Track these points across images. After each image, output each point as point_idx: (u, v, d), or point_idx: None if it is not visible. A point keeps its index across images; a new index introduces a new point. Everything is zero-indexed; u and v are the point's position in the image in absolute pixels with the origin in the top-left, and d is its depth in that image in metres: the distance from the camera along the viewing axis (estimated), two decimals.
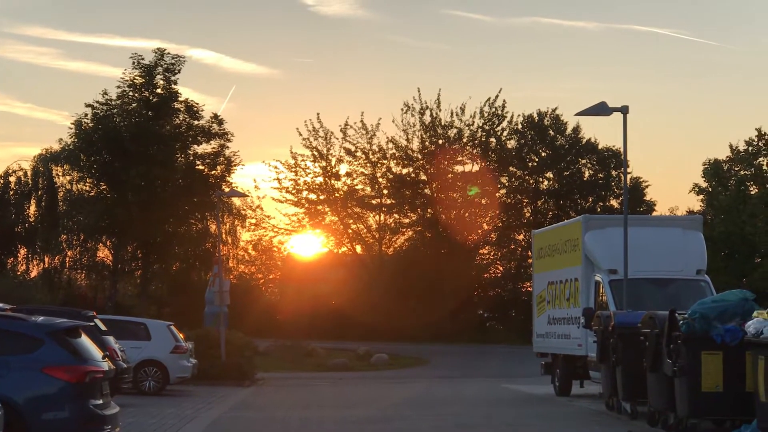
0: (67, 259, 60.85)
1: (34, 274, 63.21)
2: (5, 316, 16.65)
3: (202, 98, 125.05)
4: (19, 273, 64.23)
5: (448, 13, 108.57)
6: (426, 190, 77.34)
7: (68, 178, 58.65)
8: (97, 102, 56.36)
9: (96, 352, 16.10)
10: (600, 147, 78.49)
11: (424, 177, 77.16)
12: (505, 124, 77.45)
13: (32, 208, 57.73)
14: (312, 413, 26.21)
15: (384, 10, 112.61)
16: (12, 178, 56.96)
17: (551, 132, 78.95)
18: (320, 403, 29.76)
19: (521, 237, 77.63)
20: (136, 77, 56.70)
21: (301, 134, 75.91)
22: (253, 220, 75.22)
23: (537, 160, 79.14)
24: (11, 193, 56.78)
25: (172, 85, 57.01)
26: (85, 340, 15.98)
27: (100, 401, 15.44)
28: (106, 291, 60.92)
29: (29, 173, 57.63)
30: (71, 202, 58.10)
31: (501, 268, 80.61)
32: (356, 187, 77.18)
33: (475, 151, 76.88)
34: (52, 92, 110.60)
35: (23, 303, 43.16)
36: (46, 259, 59.99)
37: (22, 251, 58.63)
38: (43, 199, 57.56)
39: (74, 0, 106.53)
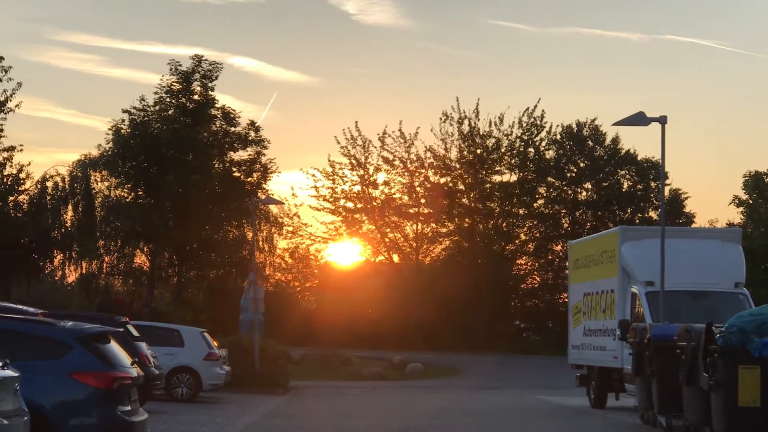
0: (105, 264, 60.91)
1: (71, 279, 63.36)
2: (34, 321, 16.63)
3: (243, 106, 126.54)
4: (56, 278, 64.36)
5: (489, 23, 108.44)
6: (464, 200, 77.14)
7: (106, 184, 58.75)
8: (134, 108, 56.52)
9: (125, 358, 16.02)
10: (639, 158, 78.06)
11: (461, 186, 76.98)
12: (543, 134, 77.32)
13: (69, 214, 57.81)
14: (344, 422, 26.07)
15: (425, 19, 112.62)
16: (49, 183, 57.07)
17: (590, 142, 78.58)
18: (353, 412, 29.61)
19: (559, 247, 77.26)
20: (174, 83, 56.79)
21: (339, 142, 75.96)
22: (290, 228, 75.32)
23: (575, 170, 78.78)
24: (48, 198, 56.86)
25: (209, 92, 57.07)
26: (113, 346, 15.89)
27: (129, 408, 15.34)
28: (143, 297, 60.97)
29: (66, 179, 57.74)
30: (109, 207, 58.23)
31: (538, 279, 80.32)
32: (394, 196, 77.12)
33: (513, 161, 76.69)
34: (95, 99, 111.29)
35: (60, 308, 43.35)
36: (84, 265, 60.05)
37: (59, 257, 58.68)
38: (80, 204, 57.66)
39: (118, 7, 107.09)
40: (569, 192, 79.13)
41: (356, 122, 77.22)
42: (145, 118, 56.77)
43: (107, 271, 61.41)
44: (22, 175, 54.62)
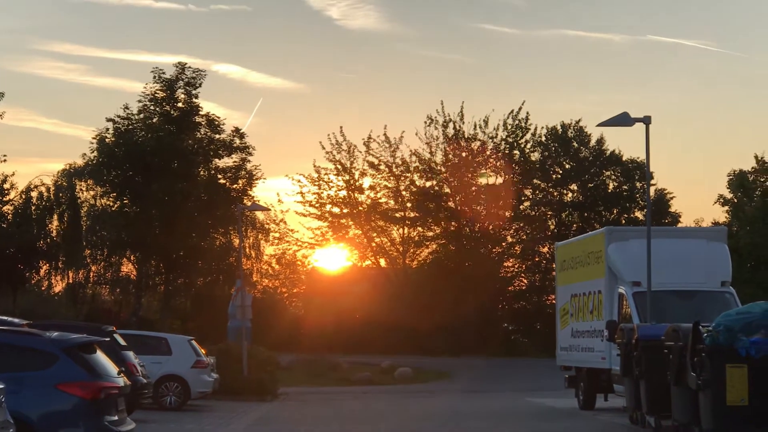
0: (91, 274, 60.81)
1: (58, 289, 63.24)
2: (19, 332, 16.57)
3: (229, 113, 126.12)
4: (43, 288, 64.23)
5: (473, 26, 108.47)
6: (450, 203, 77.11)
7: (92, 193, 58.64)
8: (118, 116, 56.40)
9: (111, 367, 15.96)
10: (624, 159, 78.12)
11: (447, 190, 76.95)
12: (528, 136, 77.29)
13: (54, 224, 57.71)
14: (333, 428, 26.03)
15: (409, 24, 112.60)
16: (34, 193, 56.95)
17: (575, 144, 78.59)
18: (342, 417, 29.55)
19: (545, 249, 77.25)
20: (157, 91, 56.68)
21: (324, 147, 75.90)
22: (277, 234, 75.20)
23: (561, 172, 78.77)
24: (33, 208, 56.74)
25: (193, 99, 56.97)
26: (100, 356, 15.84)
27: (116, 417, 15.30)
28: (131, 306, 60.86)
29: (51, 188, 57.62)
30: (94, 217, 58.11)
31: (525, 281, 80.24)
32: (380, 201, 77.07)
33: (498, 163, 76.66)
34: (79, 108, 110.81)
35: (47, 319, 43.20)
36: (70, 274, 59.94)
37: (45, 267, 58.56)
38: (66, 214, 57.56)
39: (101, 16, 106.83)
40: (555, 193, 79.12)
41: (341, 127, 77.21)
42: (130, 127, 56.68)
43: (94, 281, 61.34)
44: (6, 186, 54.52)
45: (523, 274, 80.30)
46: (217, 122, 57.75)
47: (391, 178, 76.29)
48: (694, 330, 19.34)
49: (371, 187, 76.58)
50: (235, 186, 58.01)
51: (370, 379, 50.22)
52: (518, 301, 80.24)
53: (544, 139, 78.20)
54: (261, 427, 26.38)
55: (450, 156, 75.82)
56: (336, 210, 76.76)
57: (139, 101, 56.85)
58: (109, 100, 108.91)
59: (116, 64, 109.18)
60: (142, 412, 26.50)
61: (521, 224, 78.65)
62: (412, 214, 77.12)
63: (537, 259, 78.85)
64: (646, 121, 26.85)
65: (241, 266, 43.47)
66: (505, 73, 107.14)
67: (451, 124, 75.55)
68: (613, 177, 78.72)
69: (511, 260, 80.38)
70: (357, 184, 76.29)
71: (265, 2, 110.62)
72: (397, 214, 77.37)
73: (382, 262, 78.68)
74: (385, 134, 75.91)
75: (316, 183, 75.95)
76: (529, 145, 77.63)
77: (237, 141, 57.96)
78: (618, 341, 25.15)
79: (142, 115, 56.78)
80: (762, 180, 69.31)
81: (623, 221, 75.07)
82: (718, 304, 26.62)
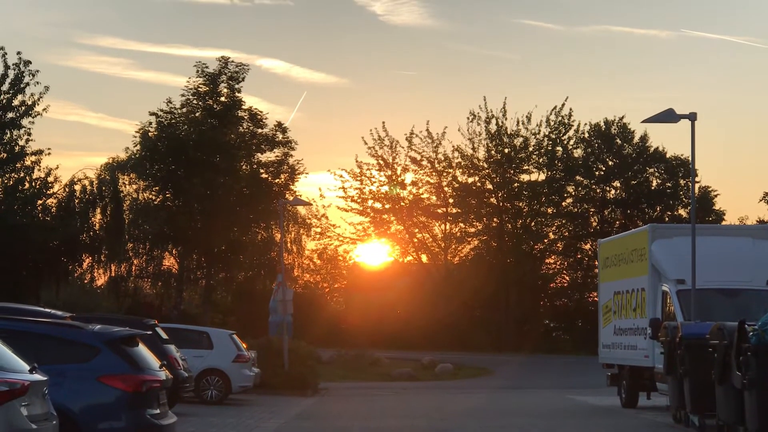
0: (134, 267, 60.92)
1: (100, 282, 63.40)
2: (62, 325, 16.57)
3: (272, 107, 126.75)
4: (85, 281, 64.44)
5: (517, 22, 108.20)
6: (492, 199, 76.94)
7: (134, 186, 58.75)
8: (161, 110, 56.48)
9: (153, 361, 15.93)
10: (668, 156, 77.71)
11: (489, 186, 76.80)
12: (571, 132, 77.07)
13: (97, 217, 57.85)
14: (373, 423, 25.98)
15: (452, 19, 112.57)
16: (77, 187, 57.09)
17: (618, 141, 78.29)
18: (382, 413, 29.49)
19: (588, 246, 77.02)
20: (200, 85, 56.73)
21: (366, 143, 75.97)
22: (318, 229, 75.34)
23: (604, 168, 78.50)
24: (76, 201, 56.89)
25: (236, 94, 57.00)
26: (142, 349, 15.82)
27: (157, 411, 15.27)
28: (172, 299, 60.97)
29: (94, 182, 57.78)
30: (137, 210, 58.25)
31: (567, 278, 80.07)
32: (422, 196, 77.03)
33: (541, 159, 76.44)
34: (124, 102, 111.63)
35: (89, 311, 43.36)
36: (112, 268, 60.08)
37: (87, 260, 58.72)
38: (108, 207, 57.69)
39: (146, 11, 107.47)
40: (598, 190, 78.87)
41: (383, 122, 77.28)
42: (172, 121, 56.71)
43: (136, 274, 61.41)
44: (50, 179, 54.67)
45: (564, 271, 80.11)
46: (259, 116, 57.73)
47: (434, 173, 76.28)
48: (740, 329, 19.15)
49: (413, 183, 76.65)
50: (277, 180, 57.96)
51: (410, 375, 50.16)
52: (560, 298, 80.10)
53: (587, 135, 78.00)
54: (301, 422, 26.36)
55: (492, 152, 75.68)
56: (378, 205, 76.82)
57: (182, 95, 56.91)
58: (152, 94, 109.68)
59: (160, 59, 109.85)
60: (184, 405, 26.58)
61: (563, 221, 78.44)
62: (454, 210, 77.09)
63: (579, 256, 78.60)
64: (692, 117, 26.63)
65: (282, 261, 43.47)
66: (548, 69, 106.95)
67: (493, 120, 75.51)
68: (657, 174, 78.37)
69: (552, 257, 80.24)
70: (399, 179, 76.33)
71: None
72: (439, 210, 77.34)
73: (424, 258, 78.72)
74: (427, 130, 76.04)
75: (358, 178, 76.07)
76: (572, 142, 77.44)
77: (279, 135, 57.88)
78: (661, 339, 24.96)
79: (184, 109, 56.81)
80: None
81: (666, 219, 74.74)
82: (763, 302, 26.36)
